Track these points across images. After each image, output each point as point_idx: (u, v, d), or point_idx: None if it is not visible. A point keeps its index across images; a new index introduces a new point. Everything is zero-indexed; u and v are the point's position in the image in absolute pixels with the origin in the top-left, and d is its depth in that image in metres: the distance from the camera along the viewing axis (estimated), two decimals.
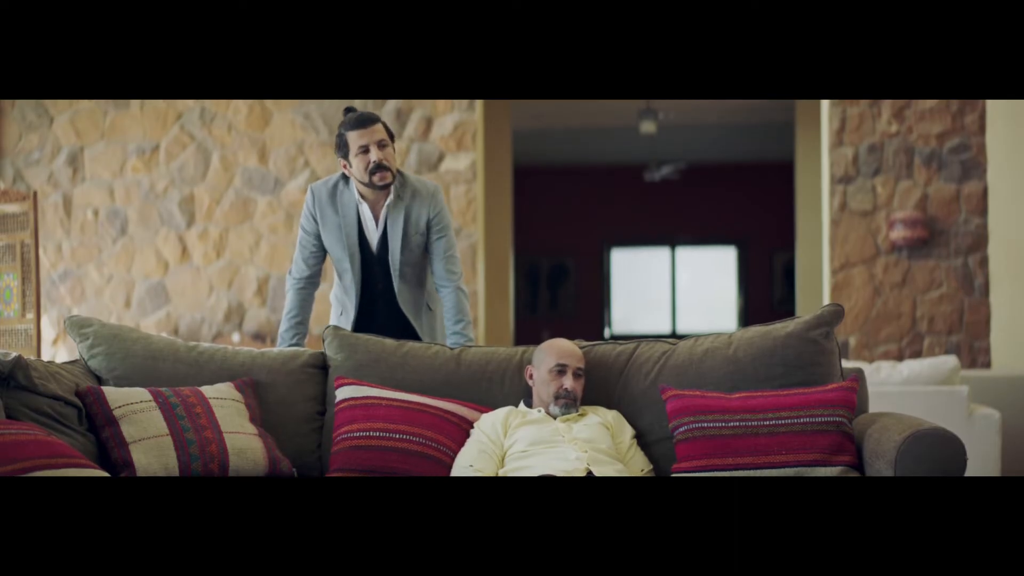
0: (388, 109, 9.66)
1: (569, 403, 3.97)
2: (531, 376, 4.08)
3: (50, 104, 9.88)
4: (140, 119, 9.84)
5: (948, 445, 3.46)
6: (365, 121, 4.64)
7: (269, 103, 9.75)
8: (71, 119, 9.87)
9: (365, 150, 4.62)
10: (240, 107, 9.78)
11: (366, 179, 4.66)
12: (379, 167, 4.63)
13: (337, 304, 4.97)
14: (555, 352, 4.04)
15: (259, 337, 9.71)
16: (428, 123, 9.65)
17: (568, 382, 3.98)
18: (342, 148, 4.68)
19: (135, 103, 9.82)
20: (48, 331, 9.75)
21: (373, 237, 4.79)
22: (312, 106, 9.74)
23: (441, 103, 9.64)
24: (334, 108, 9.71)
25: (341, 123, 4.70)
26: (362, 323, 4.80)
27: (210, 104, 9.80)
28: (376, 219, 4.77)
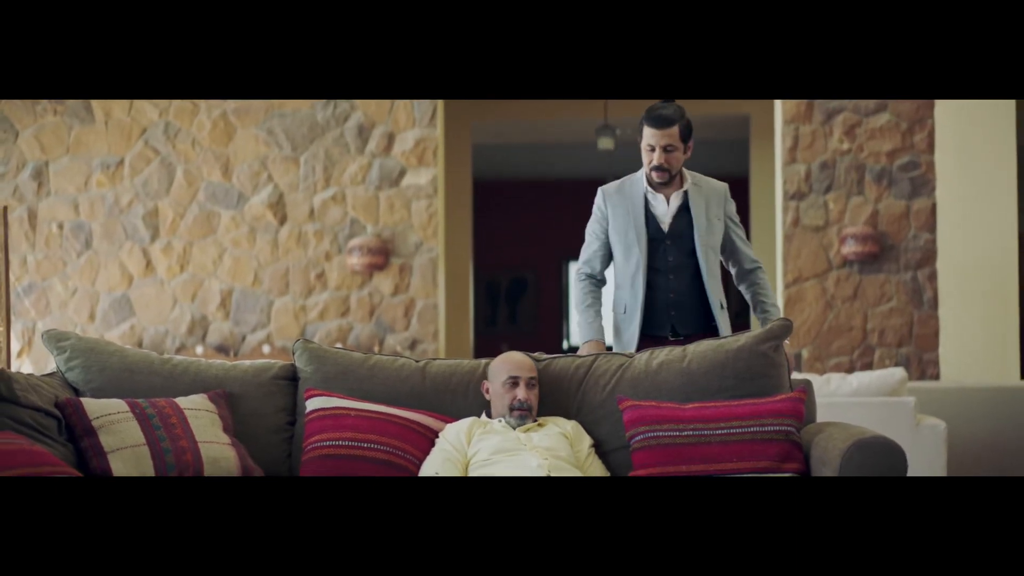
0: (351, 125, 9.78)
1: (524, 413, 4.10)
2: (487, 390, 4.22)
3: (15, 119, 9.93)
4: (104, 134, 9.92)
5: (889, 453, 3.61)
6: (659, 122, 4.86)
7: (232, 118, 9.84)
8: (36, 134, 9.93)
9: (651, 149, 4.87)
10: (204, 122, 9.87)
11: (648, 171, 4.92)
12: (659, 168, 4.88)
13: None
14: (507, 365, 4.18)
15: (222, 349, 9.79)
16: (390, 138, 9.77)
17: (521, 393, 4.12)
18: (640, 132, 4.92)
19: (100, 118, 9.89)
20: (13, 343, 9.79)
21: (664, 217, 4.96)
22: (275, 121, 9.84)
23: (403, 119, 9.76)
24: (296, 123, 9.82)
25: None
26: (650, 306, 4.94)
27: (174, 119, 9.88)
28: (667, 200, 4.97)
